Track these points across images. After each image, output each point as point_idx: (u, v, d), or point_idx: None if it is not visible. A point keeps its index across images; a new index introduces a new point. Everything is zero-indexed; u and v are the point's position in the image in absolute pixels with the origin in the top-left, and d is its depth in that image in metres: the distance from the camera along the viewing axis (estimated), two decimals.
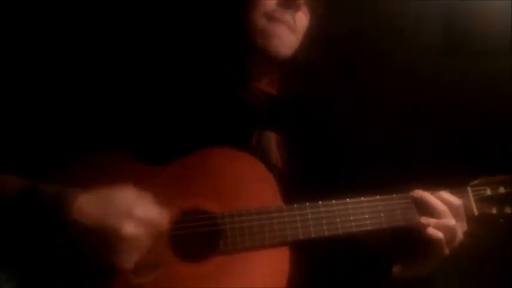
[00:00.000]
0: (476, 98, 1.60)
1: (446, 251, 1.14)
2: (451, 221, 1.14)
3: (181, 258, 1.03)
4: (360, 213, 1.11)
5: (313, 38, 1.22)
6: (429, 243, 1.13)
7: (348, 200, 1.11)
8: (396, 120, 1.58)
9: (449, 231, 1.13)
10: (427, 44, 1.62)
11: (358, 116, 1.51)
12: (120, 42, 1.37)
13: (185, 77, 1.18)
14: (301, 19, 1.20)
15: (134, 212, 0.93)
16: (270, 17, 1.16)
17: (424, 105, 1.61)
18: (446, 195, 1.17)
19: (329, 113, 1.31)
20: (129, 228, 0.92)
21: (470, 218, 1.18)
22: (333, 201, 1.10)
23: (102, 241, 0.92)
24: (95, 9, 1.41)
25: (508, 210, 1.20)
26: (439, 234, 1.12)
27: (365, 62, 1.58)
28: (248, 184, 1.09)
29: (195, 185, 1.07)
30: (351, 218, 1.10)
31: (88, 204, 0.93)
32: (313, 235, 1.07)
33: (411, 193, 1.17)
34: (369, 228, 1.11)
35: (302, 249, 1.07)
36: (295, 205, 1.08)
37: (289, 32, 1.18)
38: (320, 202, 1.09)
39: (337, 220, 1.09)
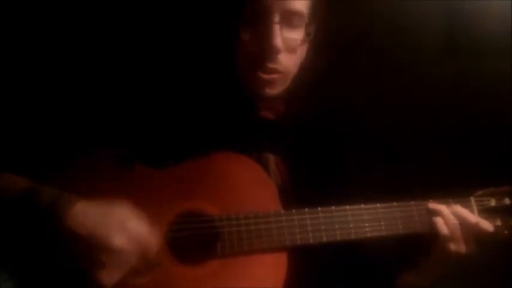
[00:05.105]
0: (476, 98, 1.60)
1: (453, 246, 1.13)
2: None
3: (179, 260, 1.03)
4: (360, 220, 1.11)
5: (312, 45, 1.17)
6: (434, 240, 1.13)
7: (347, 206, 1.11)
8: (396, 128, 1.57)
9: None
10: (427, 44, 1.61)
11: (358, 128, 1.50)
12: (125, 43, 1.37)
13: (187, 89, 1.17)
14: (291, 57, 1.11)
15: (127, 225, 0.93)
16: (255, 66, 1.10)
17: (424, 107, 1.60)
18: (463, 211, 1.15)
19: (328, 132, 1.29)
20: (120, 240, 0.91)
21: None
22: (332, 207, 1.10)
23: (90, 250, 0.90)
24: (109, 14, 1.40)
25: None
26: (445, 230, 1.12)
27: (365, 64, 1.57)
28: (248, 188, 1.09)
29: (195, 188, 1.07)
30: (350, 225, 1.10)
31: (84, 213, 0.92)
32: (311, 241, 1.07)
33: (427, 203, 1.16)
34: (368, 235, 1.11)
35: (300, 255, 1.07)
36: (294, 210, 1.08)
37: (279, 76, 1.12)
38: (319, 208, 1.09)
39: (336, 227, 1.09)
